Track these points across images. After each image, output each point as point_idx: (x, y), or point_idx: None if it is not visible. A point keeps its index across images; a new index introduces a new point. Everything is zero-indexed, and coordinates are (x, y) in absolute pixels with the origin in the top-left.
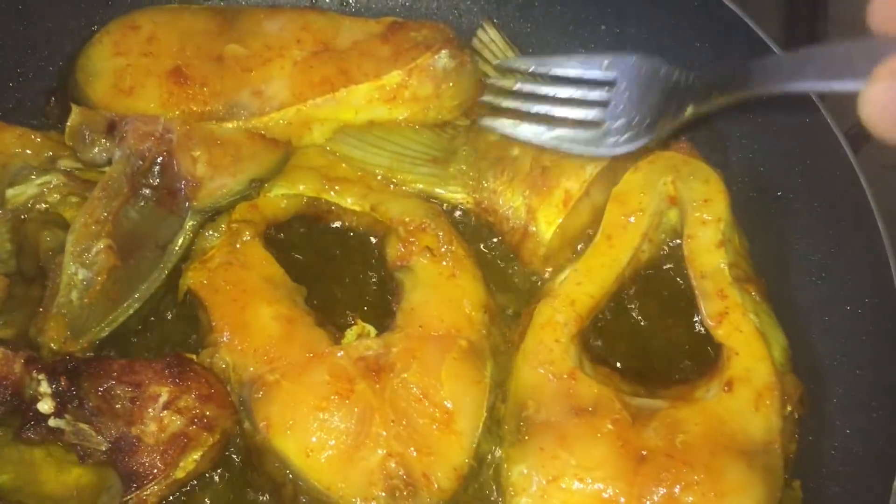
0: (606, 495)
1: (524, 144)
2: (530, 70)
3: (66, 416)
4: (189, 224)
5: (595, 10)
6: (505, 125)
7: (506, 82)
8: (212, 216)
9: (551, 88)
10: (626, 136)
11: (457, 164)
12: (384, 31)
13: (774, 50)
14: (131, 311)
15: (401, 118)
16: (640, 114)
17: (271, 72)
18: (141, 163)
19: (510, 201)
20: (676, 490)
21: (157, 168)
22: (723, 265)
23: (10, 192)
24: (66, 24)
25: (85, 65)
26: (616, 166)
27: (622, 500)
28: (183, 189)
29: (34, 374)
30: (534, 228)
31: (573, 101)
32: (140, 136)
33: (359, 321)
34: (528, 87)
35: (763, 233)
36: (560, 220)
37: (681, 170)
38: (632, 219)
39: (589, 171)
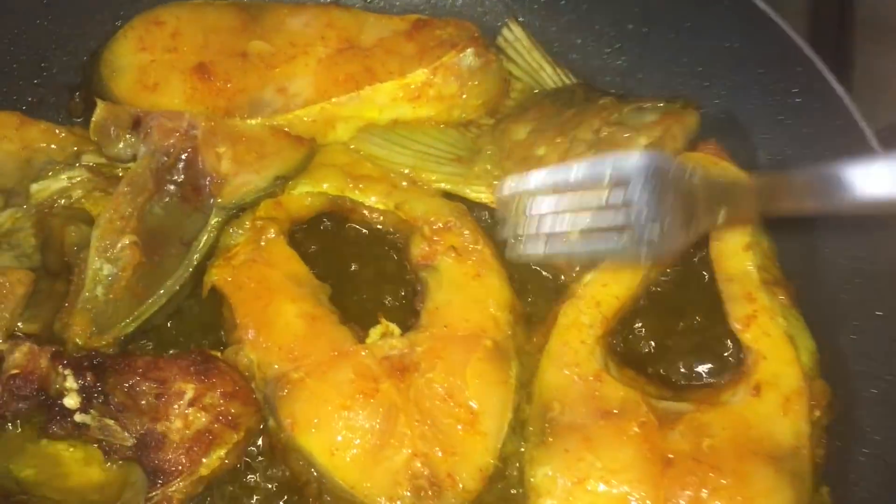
0: (632, 498)
1: (549, 144)
2: (534, 186)
3: (92, 411)
4: (213, 220)
5: (621, 8)
6: (537, 249)
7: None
8: (236, 213)
9: (563, 199)
10: (658, 237)
11: (481, 163)
12: (409, 29)
13: (805, 51)
14: (156, 308)
15: (425, 117)
16: (665, 211)
17: (296, 69)
18: (166, 158)
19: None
20: (703, 494)
21: (181, 164)
22: (751, 268)
23: (34, 187)
24: (91, 19)
25: (109, 60)
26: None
27: (649, 502)
28: (207, 185)
29: (60, 369)
30: None
31: (593, 207)
32: (165, 132)
33: (383, 320)
34: (541, 207)
35: (792, 236)
36: None
37: (709, 171)
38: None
39: None
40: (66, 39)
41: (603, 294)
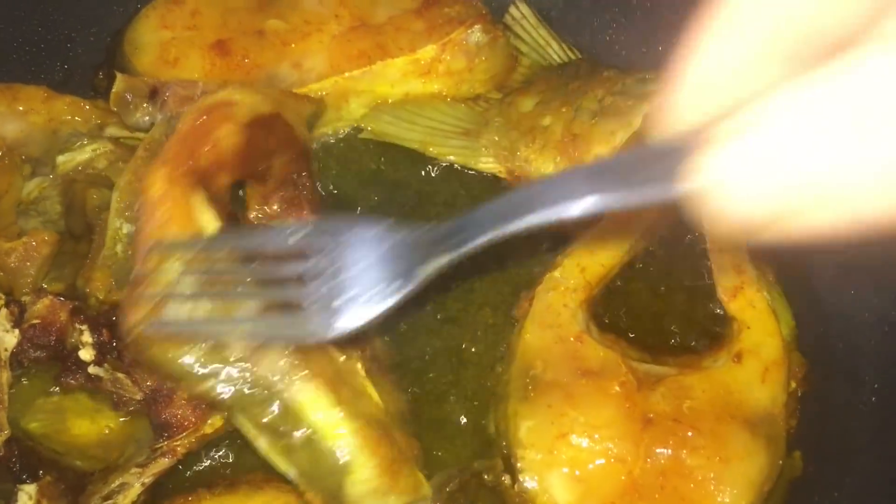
0: (613, 453)
1: (555, 114)
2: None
3: (105, 365)
4: None
5: None
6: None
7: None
8: None
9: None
10: (339, 314)
11: (489, 135)
12: (419, 7)
13: None
14: None
15: (435, 91)
16: (357, 285)
17: (310, 45)
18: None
19: (542, 168)
20: (682, 453)
21: None
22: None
23: (60, 158)
24: (114, 0)
25: (132, 38)
26: (645, 133)
27: (629, 458)
28: None
29: (77, 324)
30: None
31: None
32: (180, 100)
33: None
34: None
35: None
36: None
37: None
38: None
39: (619, 136)
40: (90, 20)
41: (588, 260)
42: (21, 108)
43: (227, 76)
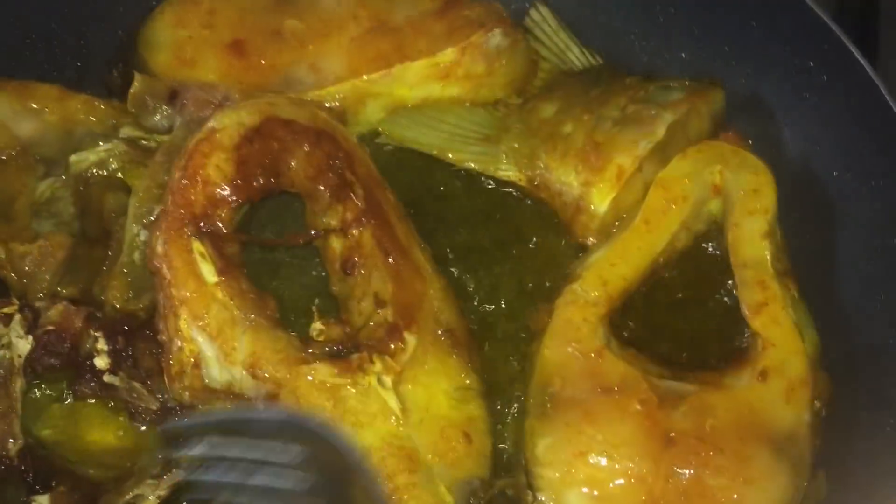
0: (633, 473)
1: (576, 121)
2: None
3: (121, 373)
4: None
5: None
6: None
7: None
8: None
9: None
10: None
11: (509, 141)
12: (438, 9)
13: (831, 27)
14: None
15: (454, 95)
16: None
17: (328, 47)
18: (199, 123)
19: (563, 177)
20: (705, 473)
21: None
22: (767, 255)
23: (73, 158)
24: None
25: (147, 37)
26: (668, 144)
27: (649, 479)
28: None
29: (93, 331)
30: (587, 203)
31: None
32: (200, 104)
33: None
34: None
35: (807, 228)
36: (613, 195)
37: (729, 160)
38: (673, 205)
39: (642, 146)
40: (104, 17)
41: (610, 274)
42: (35, 107)
43: (243, 78)
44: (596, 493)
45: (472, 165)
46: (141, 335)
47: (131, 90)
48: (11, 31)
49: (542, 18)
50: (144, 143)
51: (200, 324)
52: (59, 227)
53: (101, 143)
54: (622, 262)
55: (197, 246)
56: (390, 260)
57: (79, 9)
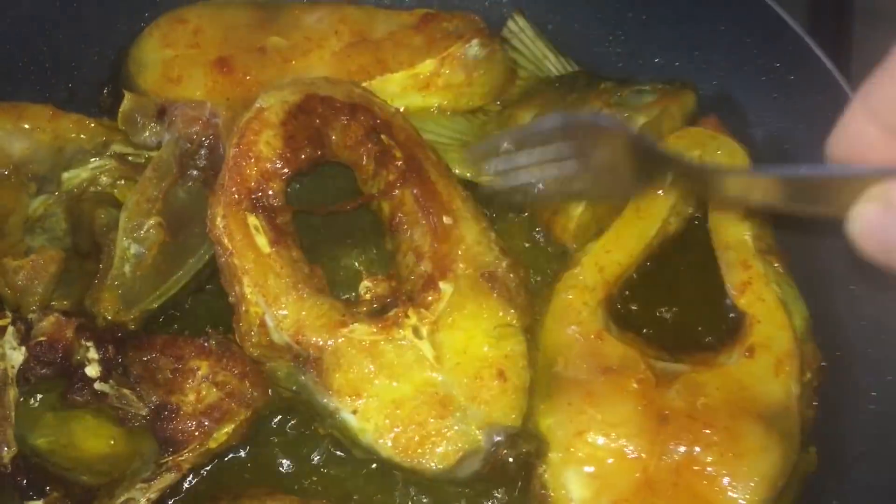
0: (629, 451)
1: None
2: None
3: (111, 381)
4: None
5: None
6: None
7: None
8: None
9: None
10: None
11: None
12: (417, 23)
13: (795, 30)
14: (180, 285)
15: (435, 105)
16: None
17: (311, 61)
18: (189, 145)
19: None
20: (697, 449)
21: (203, 150)
22: (747, 236)
23: (65, 175)
24: (117, 19)
25: (136, 56)
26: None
27: (644, 456)
28: None
29: (83, 340)
30: (563, 207)
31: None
32: (188, 121)
33: None
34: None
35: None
36: None
37: (707, 145)
38: (660, 192)
39: None
40: (94, 39)
41: (606, 260)
42: (27, 127)
43: (229, 93)
44: (593, 469)
45: (455, 171)
46: (131, 344)
47: (121, 108)
48: (3, 53)
49: (519, 29)
50: (134, 159)
51: (261, 290)
52: (52, 242)
53: (91, 161)
54: (617, 248)
55: (252, 219)
56: (429, 215)
57: (69, 31)
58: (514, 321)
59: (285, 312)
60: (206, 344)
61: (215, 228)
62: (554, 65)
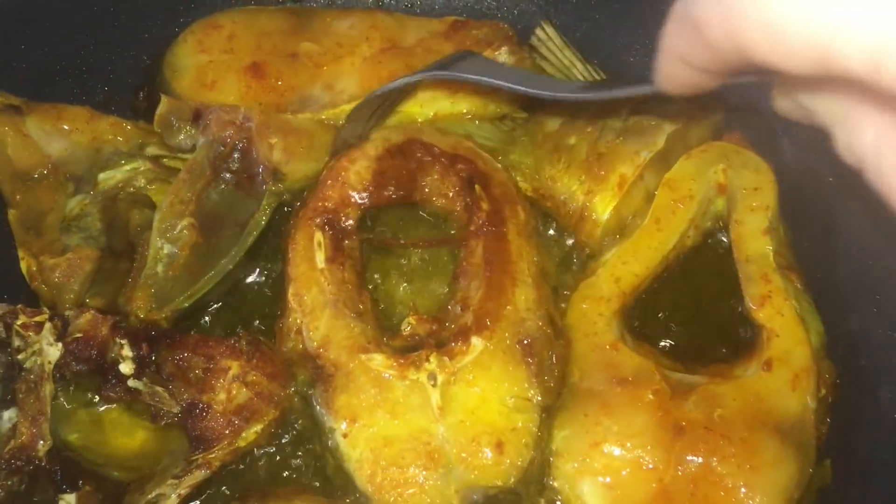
0: (645, 462)
1: (580, 134)
2: None
3: (144, 378)
4: (265, 205)
5: (650, 6)
6: None
7: None
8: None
9: None
10: None
11: (515, 154)
12: (447, 30)
13: None
14: (211, 285)
15: (463, 111)
16: None
17: (342, 67)
18: (222, 148)
19: (567, 186)
20: (713, 461)
21: (237, 154)
22: (768, 250)
23: (101, 176)
24: (153, 24)
25: (171, 61)
26: (669, 152)
27: (660, 467)
28: (260, 173)
29: (118, 338)
30: (590, 211)
31: None
32: (222, 124)
33: None
34: None
35: (809, 223)
36: (615, 203)
37: (732, 159)
38: (681, 204)
39: (643, 156)
40: (130, 43)
41: (623, 271)
42: (66, 128)
43: (261, 98)
44: (609, 480)
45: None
46: (164, 342)
47: (158, 111)
48: (43, 58)
49: (547, 37)
50: (168, 161)
51: (301, 299)
52: (87, 241)
53: (127, 162)
54: (634, 260)
55: (318, 236)
56: (490, 271)
57: (106, 37)
58: (536, 397)
59: (318, 325)
60: (237, 344)
61: (286, 234)
62: (581, 72)
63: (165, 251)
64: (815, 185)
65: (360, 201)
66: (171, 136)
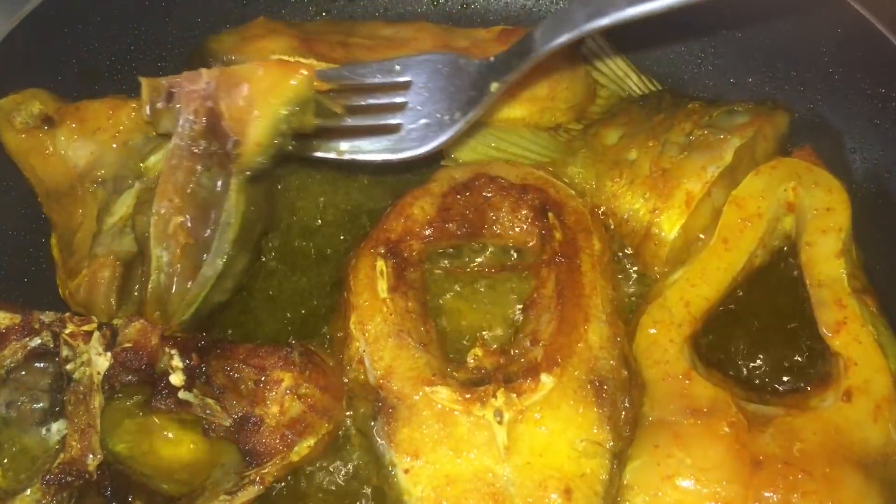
0: (721, 497)
1: (641, 147)
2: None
3: (195, 390)
4: (233, 184)
5: (713, 14)
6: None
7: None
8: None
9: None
10: (427, 134)
11: (574, 166)
12: (496, 37)
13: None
14: (208, 287)
15: (518, 117)
16: (441, 109)
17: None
18: (194, 121)
19: (630, 204)
20: (793, 497)
21: (209, 125)
22: (842, 274)
23: (151, 160)
24: (203, 23)
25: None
26: (735, 168)
27: (737, 503)
28: (231, 147)
29: (167, 348)
30: (656, 230)
31: (369, 108)
32: (189, 97)
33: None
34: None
35: (883, 244)
36: (683, 221)
37: (803, 177)
38: (749, 223)
39: (710, 171)
40: (179, 39)
41: (692, 294)
42: (90, 128)
43: (303, 57)
44: None
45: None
46: (214, 352)
47: (141, 97)
48: (90, 52)
49: (598, 47)
50: None
51: (364, 328)
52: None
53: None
54: (703, 282)
55: (380, 264)
56: (563, 304)
57: (156, 33)
58: (607, 442)
59: (382, 355)
60: (289, 355)
61: (348, 265)
62: (636, 84)
63: (165, 259)
64: (887, 203)
65: (424, 235)
66: (159, 124)
